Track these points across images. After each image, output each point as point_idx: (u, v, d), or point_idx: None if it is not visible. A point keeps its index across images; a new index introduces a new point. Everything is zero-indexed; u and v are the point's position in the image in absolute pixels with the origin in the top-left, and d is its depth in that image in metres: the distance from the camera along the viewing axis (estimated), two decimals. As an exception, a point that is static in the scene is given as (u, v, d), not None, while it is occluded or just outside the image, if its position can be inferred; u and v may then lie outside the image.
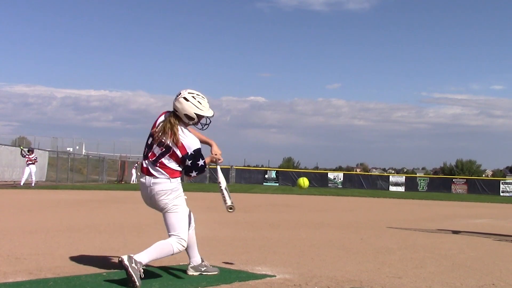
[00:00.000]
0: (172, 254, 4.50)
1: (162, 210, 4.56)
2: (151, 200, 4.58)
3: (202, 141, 4.75)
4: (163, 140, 4.51)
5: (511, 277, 5.40)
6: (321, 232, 9.23)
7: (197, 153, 4.54)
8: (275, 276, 4.95)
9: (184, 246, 4.52)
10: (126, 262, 4.16)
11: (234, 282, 4.59)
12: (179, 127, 4.54)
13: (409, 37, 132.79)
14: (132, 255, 4.26)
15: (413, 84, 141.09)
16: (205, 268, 4.84)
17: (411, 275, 5.25)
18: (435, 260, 6.31)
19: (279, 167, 69.68)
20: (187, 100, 4.52)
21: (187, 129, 4.62)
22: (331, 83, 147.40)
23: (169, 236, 4.51)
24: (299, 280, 4.80)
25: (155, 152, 4.56)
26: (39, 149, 32.89)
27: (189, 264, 4.84)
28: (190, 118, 4.55)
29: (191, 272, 4.81)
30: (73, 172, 34.49)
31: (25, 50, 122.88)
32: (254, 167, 62.58)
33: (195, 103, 4.53)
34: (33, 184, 25.22)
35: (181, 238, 4.49)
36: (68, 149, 47.66)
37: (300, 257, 6.19)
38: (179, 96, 4.54)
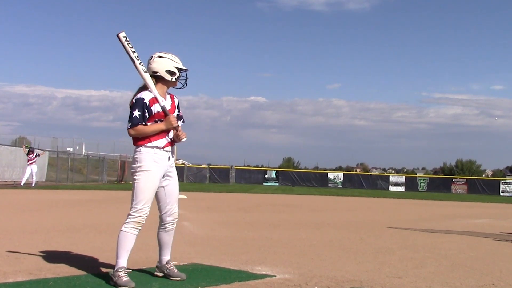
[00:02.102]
0: (135, 236, 4.40)
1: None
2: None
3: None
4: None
5: (511, 277, 5.40)
6: (321, 232, 9.23)
7: (137, 102, 4.41)
8: (275, 276, 4.95)
9: (141, 217, 4.37)
10: (111, 282, 4.30)
11: (234, 282, 4.59)
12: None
13: (409, 37, 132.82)
14: (112, 271, 4.38)
15: (414, 84, 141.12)
16: (168, 271, 4.63)
17: (411, 275, 5.25)
18: (435, 260, 6.31)
19: (279, 167, 69.66)
20: (162, 57, 4.55)
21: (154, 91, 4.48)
22: (332, 83, 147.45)
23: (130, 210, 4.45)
24: (299, 280, 4.80)
25: None
26: (39, 149, 32.88)
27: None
28: (171, 73, 4.53)
29: (156, 272, 4.71)
30: (73, 172, 34.48)
31: (26, 50, 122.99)
32: (254, 167, 62.58)
33: (171, 58, 4.57)
34: (33, 184, 25.22)
35: (132, 216, 4.38)
36: (68, 149, 47.60)
37: (300, 257, 6.19)
38: (153, 58, 4.55)
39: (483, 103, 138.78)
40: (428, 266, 5.83)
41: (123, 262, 4.37)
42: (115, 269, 4.34)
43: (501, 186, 47.78)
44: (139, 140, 4.46)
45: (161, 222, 4.63)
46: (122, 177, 39.23)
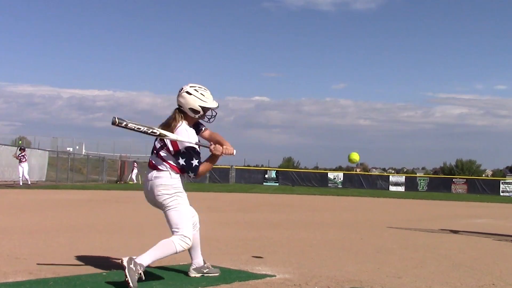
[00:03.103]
0: (175, 253, 4.41)
1: (162, 206, 4.49)
2: (151, 195, 4.51)
3: (216, 141, 4.60)
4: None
5: (511, 277, 5.40)
6: (321, 232, 9.23)
7: (189, 151, 4.44)
8: (275, 276, 4.94)
9: (188, 244, 4.42)
10: (124, 263, 4.14)
11: (234, 282, 4.59)
12: (182, 122, 4.52)
13: (415, 37, 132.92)
14: (134, 257, 4.23)
15: (419, 84, 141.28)
16: (207, 270, 4.80)
17: (411, 275, 5.25)
18: (435, 260, 6.31)
19: (279, 167, 69.65)
20: (189, 94, 4.50)
21: (190, 128, 4.54)
22: (337, 83, 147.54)
23: (172, 234, 4.45)
24: (299, 280, 4.80)
25: (156, 145, 4.58)
26: (39, 149, 32.90)
27: (191, 265, 4.81)
28: (195, 111, 4.51)
29: (193, 274, 4.77)
30: (73, 172, 34.47)
31: (31, 50, 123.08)
32: (254, 167, 62.56)
33: (198, 96, 4.50)
34: (29, 183, 25.22)
35: (184, 236, 4.40)
36: (68, 149, 47.62)
37: (300, 257, 6.19)
38: (182, 91, 4.52)
39: (488, 103, 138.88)
40: (428, 266, 5.83)
41: (149, 262, 4.35)
42: (139, 264, 4.22)
43: (501, 186, 47.77)
44: (164, 161, 4.48)
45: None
46: (122, 177, 39.26)
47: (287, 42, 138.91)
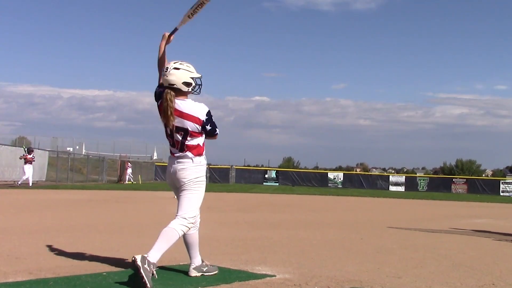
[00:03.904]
0: (179, 238, 4.49)
1: (181, 187, 4.60)
2: (176, 175, 4.62)
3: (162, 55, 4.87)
4: (177, 125, 4.59)
5: (511, 277, 5.40)
6: (321, 232, 9.23)
7: (210, 115, 4.67)
8: (275, 276, 4.94)
9: (187, 227, 4.50)
10: (139, 262, 4.13)
11: (234, 282, 4.59)
12: (178, 101, 4.59)
13: (415, 37, 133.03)
14: (146, 255, 4.22)
15: (419, 84, 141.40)
16: (206, 268, 4.84)
17: (411, 275, 5.25)
18: (435, 260, 6.31)
19: (279, 167, 69.67)
20: (178, 69, 4.61)
21: (185, 99, 4.64)
22: (337, 83, 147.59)
23: (175, 217, 4.52)
24: (299, 280, 4.80)
25: (177, 140, 4.64)
26: (39, 149, 32.90)
27: (191, 265, 4.82)
28: (188, 84, 4.62)
29: (193, 273, 4.77)
30: (73, 172, 34.49)
31: (32, 50, 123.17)
32: (254, 167, 62.58)
33: (186, 69, 4.64)
34: (30, 184, 25.22)
35: (184, 219, 4.49)
36: (68, 149, 47.66)
37: (300, 257, 6.19)
38: (168, 70, 4.60)
39: (489, 103, 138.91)
40: (428, 266, 5.83)
41: (158, 258, 4.36)
42: (152, 263, 4.24)
43: (501, 186, 47.81)
44: (200, 149, 4.65)
45: None
46: (121, 177, 39.25)
47: (287, 42, 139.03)
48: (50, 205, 13.90)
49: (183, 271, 4.90)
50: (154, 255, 4.28)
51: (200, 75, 4.71)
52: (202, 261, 4.86)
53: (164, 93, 4.59)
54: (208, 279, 4.67)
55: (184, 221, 4.50)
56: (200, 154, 4.65)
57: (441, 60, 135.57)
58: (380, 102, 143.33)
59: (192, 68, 4.68)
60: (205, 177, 4.71)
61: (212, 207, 14.83)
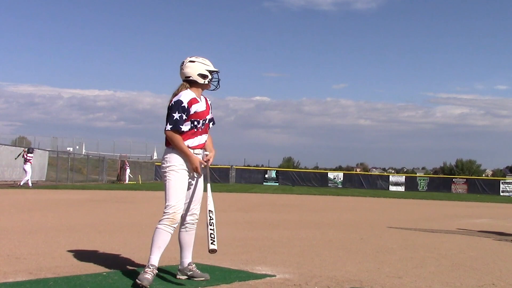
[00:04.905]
0: (171, 234, 4.47)
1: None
2: None
3: (205, 147, 4.74)
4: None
5: (511, 277, 5.40)
6: (321, 232, 9.23)
7: (176, 104, 4.49)
8: (275, 276, 4.95)
9: (174, 219, 4.44)
10: (141, 282, 4.23)
11: (234, 282, 4.59)
12: (187, 89, 4.61)
13: (416, 37, 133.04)
14: (143, 271, 4.31)
15: (419, 84, 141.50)
16: (191, 272, 4.67)
17: (411, 275, 5.25)
18: (435, 260, 6.31)
19: (279, 167, 69.68)
20: (193, 62, 4.65)
21: (185, 91, 4.61)
22: (338, 83, 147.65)
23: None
24: (299, 280, 4.80)
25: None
26: (39, 149, 32.90)
27: (179, 265, 4.75)
28: (203, 76, 4.64)
29: (178, 275, 4.70)
30: (73, 172, 34.48)
31: (32, 50, 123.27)
32: (254, 167, 62.58)
33: (201, 61, 4.68)
34: (30, 185, 25.21)
35: (166, 213, 4.45)
36: (68, 148, 47.68)
37: (300, 257, 6.19)
38: (184, 63, 4.65)
39: (489, 103, 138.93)
40: (428, 266, 5.83)
41: (153, 259, 4.38)
42: (147, 265, 4.36)
43: (501, 186, 47.79)
44: (167, 142, 4.59)
45: (182, 222, 4.67)
46: (121, 176, 39.26)
47: (287, 42, 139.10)
48: (50, 205, 13.90)
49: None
50: (153, 259, 4.37)
51: (217, 70, 4.73)
52: (189, 265, 4.70)
53: (180, 85, 4.65)
54: (208, 279, 4.66)
55: (168, 216, 4.46)
56: (169, 144, 4.56)
57: (441, 60, 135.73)
58: (380, 102, 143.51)
59: (208, 62, 4.70)
60: (179, 166, 4.50)
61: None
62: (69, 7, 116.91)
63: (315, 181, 49.42)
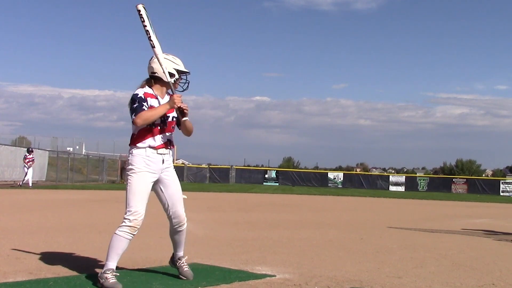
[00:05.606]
0: (130, 240, 4.40)
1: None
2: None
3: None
4: None
5: (511, 277, 5.40)
6: (321, 232, 9.23)
7: (132, 97, 4.32)
8: (275, 276, 4.94)
9: (134, 227, 4.38)
10: (98, 284, 4.21)
11: (234, 282, 4.59)
12: (145, 85, 4.45)
13: (416, 37, 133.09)
14: (100, 273, 4.28)
15: (420, 84, 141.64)
16: (178, 267, 4.68)
17: (411, 275, 5.25)
18: (435, 260, 6.31)
19: (279, 167, 69.67)
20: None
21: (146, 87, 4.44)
22: (338, 83, 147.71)
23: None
24: (299, 280, 4.80)
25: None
26: (39, 149, 32.90)
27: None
28: (171, 74, 4.43)
29: (171, 265, 4.79)
30: (73, 172, 34.49)
31: (32, 50, 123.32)
32: (254, 167, 62.56)
33: (171, 59, 4.48)
34: (30, 185, 25.20)
35: (127, 219, 4.37)
36: (68, 149, 47.61)
37: (300, 257, 6.19)
38: (153, 58, 4.45)
39: (489, 103, 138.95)
40: (428, 266, 5.83)
41: (112, 264, 4.30)
42: (103, 271, 4.27)
43: (501, 186, 47.74)
44: (133, 140, 4.40)
45: (170, 224, 4.64)
46: (123, 176, 39.27)
47: (287, 42, 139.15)
48: (50, 205, 13.90)
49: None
50: (109, 264, 4.29)
51: (187, 71, 4.53)
52: (179, 258, 4.70)
53: (143, 82, 4.50)
54: (208, 279, 4.66)
55: (127, 222, 4.39)
56: (133, 144, 4.38)
57: (441, 60, 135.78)
58: (380, 102, 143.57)
59: (179, 61, 4.51)
60: (141, 168, 4.33)
61: (212, 207, 14.83)
62: (69, 7, 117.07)
63: (315, 181, 49.40)
